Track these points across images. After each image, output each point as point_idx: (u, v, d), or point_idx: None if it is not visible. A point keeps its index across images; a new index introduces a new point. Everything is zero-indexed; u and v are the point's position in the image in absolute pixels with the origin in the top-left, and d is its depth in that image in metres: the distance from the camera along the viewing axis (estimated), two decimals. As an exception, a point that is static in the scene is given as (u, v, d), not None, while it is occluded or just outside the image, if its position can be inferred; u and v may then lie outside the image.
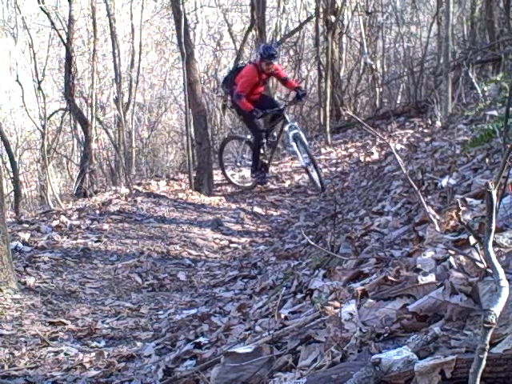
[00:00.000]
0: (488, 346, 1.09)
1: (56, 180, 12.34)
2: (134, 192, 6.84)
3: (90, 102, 10.60)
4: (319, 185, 6.77)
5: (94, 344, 3.22)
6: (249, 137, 7.62)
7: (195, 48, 11.24)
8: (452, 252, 1.85)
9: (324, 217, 5.75)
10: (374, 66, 11.74)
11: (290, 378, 1.58)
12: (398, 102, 11.99)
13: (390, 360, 1.30)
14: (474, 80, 7.19)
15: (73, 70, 9.42)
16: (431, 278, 1.75)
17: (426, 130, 8.23)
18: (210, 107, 11.89)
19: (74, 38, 10.30)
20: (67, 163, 12.76)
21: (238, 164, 7.73)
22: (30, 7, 12.52)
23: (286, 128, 6.92)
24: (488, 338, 1.09)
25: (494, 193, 1.22)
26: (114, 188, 7.88)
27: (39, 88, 9.82)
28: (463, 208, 2.31)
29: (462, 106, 7.55)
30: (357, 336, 1.59)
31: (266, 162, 7.43)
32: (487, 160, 3.45)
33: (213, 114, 12.38)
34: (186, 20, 7.29)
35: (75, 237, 5.24)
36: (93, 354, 3.03)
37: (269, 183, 7.60)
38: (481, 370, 1.10)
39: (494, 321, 1.10)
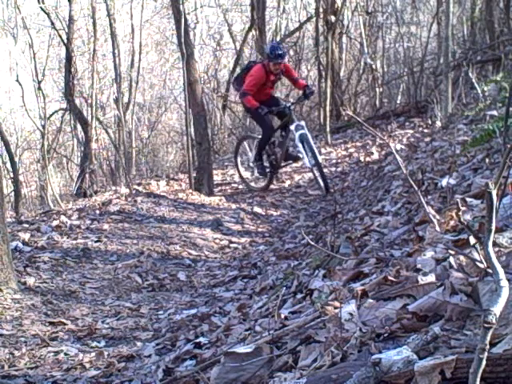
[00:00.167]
0: (488, 346, 1.09)
1: (56, 180, 12.34)
2: (134, 192, 6.84)
3: (90, 101, 10.60)
4: (324, 188, 6.64)
5: (94, 344, 3.22)
6: (260, 136, 7.55)
7: (195, 48, 11.25)
8: (452, 252, 1.85)
9: (324, 217, 5.75)
10: (374, 66, 11.74)
11: (289, 378, 1.58)
12: (398, 102, 11.99)
13: (390, 360, 1.30)
14: (473, 80, 7.19)
15: (73, 69, 9.43)
16: (431, 278, 1.75)
17: (426, 130, 8.23)
18: (210, 107, 11.89)
19: (74, 38, 10.31)
20: (67, 163, 12.77)
21: (251, 164, 7.64)
22: (30, 7, 12.54)
23: (293, 127, 6.77)
24: (488, 338, 1.09)
25: (494, 193, 1.22)
26: (113, 188, 7.88)
27: (39, 88, 9.82)
28: (463, 208, 2.31)
29: (462, 106, 7.55)
30: (357, 336, 1.59)
31: (276, 162, 7.28)
32: (487, 160, 3.45)
33: (213, 114, 12.38)
34: (186, 20, 7.29)
35: (75, 237, 5.24)
36: (93, 354, 3.03)
37: (272, 183, 7.52)
38: (481, 370, 1.10)
39: (494, 321, 1.10)
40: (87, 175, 9.42)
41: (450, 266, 1.77)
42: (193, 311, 3.61)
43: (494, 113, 4.99)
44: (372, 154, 8.09)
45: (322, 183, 6.66)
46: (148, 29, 14.01)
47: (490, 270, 1.52)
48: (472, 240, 1.73)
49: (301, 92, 7.35)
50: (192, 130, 7.76)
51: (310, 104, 12.19)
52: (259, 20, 10.66)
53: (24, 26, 10.24)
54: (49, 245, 4.96)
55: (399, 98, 12.36)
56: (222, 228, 5.97)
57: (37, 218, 6.01)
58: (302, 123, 6.96)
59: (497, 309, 1.12)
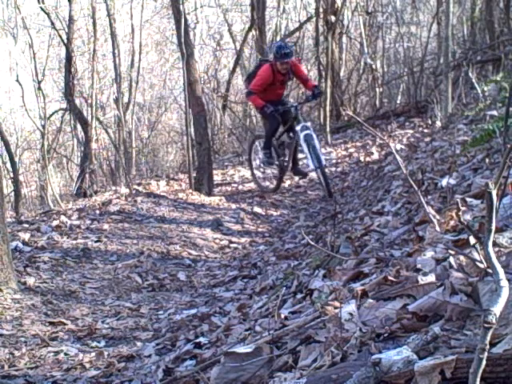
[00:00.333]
0: (488, 346, 1.09)
1: (56, 180, 12.34)
2: (134, 192, 6.84)
3: (90, 102, 10.60)
4: (326, 191, 6.53)
5: (94, 344, 3.22)
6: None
7: (195, 48, 11.24)
8: (452, 252, 1.85)
9: (324, 217, 5.75)
10: (373, 66, 11.74)
11: (290, 378, 1.58)
12: (398, 102, 11.99)
13: (390, 360, 1.30)
14: (473, 80, 7.19)
15: (73, 70, 9.43)
16: (431, 278, 1.75)
17: (426, 130, 8.23)
18: (210, 107, 11.88)
19: (74, 38, 10.31)
20: (67, 163, 12.77)
21: (261, 165, 7.60)
22: (30, 7, 12.54)
23: (298, 128, 6.67)
24: (488, 338, 1.09)
25: (494, 193, 1.22)
26: (114, 188, 7.88)
27: (39, 88, 9.82)
28: (463, 208, 2.31)
29: (462, 106, 7.55)
30: (357, 336, 1.59)
31: (285, 164, 7.17)
32: (487, 160, 3.45)
33: (213, 114, 12.38)
34: (186, 20, 7.29)
35: (75, 237, 5.24)
36: (93, 354, 3.03)
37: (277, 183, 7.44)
38: (481, 370, 1.10)
39: (494, 321, 1.10)
40: (87, 175, 9.42)
41: (450, 265, 1.77)
42: (193, 311, 3.61)
43: (494, 113, 4.99)
44: (372, 154, 8.09)
45: (325, 186, 6.54)
46: (148, 29, 14.01)
47: (490, 270, 1.52)
48: (472, 240, 1.73)
49: (307, 92, 7.30)
50: (192, 130, 7.76)
51: (310, 104, 12.19)
52: (259, 20, 10.66)
53: (24, 26, 10.24)
54: (49, 245, 4.96)
55: (399, 97, 12.36)
56: (222, 228, 5.97)
57: (37, 218, 6.01)
58: (308, 124, 6.87)
59: (497, 309, 1.12)
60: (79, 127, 10.89)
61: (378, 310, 1.71)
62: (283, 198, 7.13)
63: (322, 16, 10.48)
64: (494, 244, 1.76)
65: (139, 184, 7.42)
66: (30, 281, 4.12)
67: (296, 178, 7.72)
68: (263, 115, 7.35)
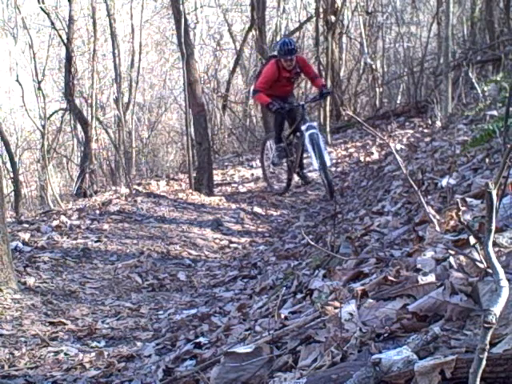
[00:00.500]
0: (488, 346, 1.09)
1: (56, 180, 12.34)
2: (134, 192, 6.84)
3: (90, 102, 10.60)
4: (328, 192, 6.46)
5: (94, 344, 3.22)
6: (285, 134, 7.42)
7: (195, 48, 11.25)
8: (452, 252, 1.85)
9: (324, 217, 5.74)
10: (374, 66, 11.74)
11: (289, 378, 1.58)
12: (398, 102, 11.99)
13: (390, 360, 1.30)
14: (473, 80, 7.19)
15: (73, 70, 9.43)
16: (431, 277, 1.75)
17: (426, 130, 8.23)
18: (210, 107, 11.89)
19: (74, 38, 10.31)
20: (67, 163, 12.78)
21: (271, 165, 7.57)
22: (30, 7, 12.54)
23: (304, 127, 6.56)
24: (488, 338, 1.09)
25: (494, 193, 1.22)
26: (114, 188, 7.89)
27: (39, 88, 9.82)
28: (463, 208, 2.31)
29: (462, 106, 7.55)
30: (357, 336, 1.59)
31: (293, 165, 7.10)
32: (487, 160, 3.45)
33: (213, 114, 12.38)
34: (186, 20, 7.29)
35: (75, 237, 5.24)
36: (93, 354, 3.03)
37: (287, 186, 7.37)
38: (481, 370, 1.10)
39: (494, 321, 1.10)
40: (87, 175, 9.42)
41: (449, 265, 1.77)
42: (193, 311, 3.61)
43: (494, 113, 4.99)
44: (372, 154, 8.09)
45: (327, 187, 6.47)
46: (148, 29, 14.01)
47: (490, 270, 1.52)
48: (472, 240, 1.73)
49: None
50: (192, 130, 7.76)
51: (309, 104, 12.19)
52: (259, 20, 10.66)
53: (24, 26, 10.24)
54: (49, 245, 4.96)
55: (399, 98, 12.36)
56: (222, 228, 5.97)
57: (37, 218, 6.01)
58: (314, 124, 6.76)
59: (497, 309, 1.12)
60: (79, 127, 10.90)
61: (378, 310, 1.71)
62: (283, 198, 7.13)
63: (322, 16, 10.48)
64: (494, 244, 1.76)
65: (139, 184, 7.42)
66: (30, 281, 4.12)
67: (296, 178, 7.72)
68: (269, 111, 7.29)
